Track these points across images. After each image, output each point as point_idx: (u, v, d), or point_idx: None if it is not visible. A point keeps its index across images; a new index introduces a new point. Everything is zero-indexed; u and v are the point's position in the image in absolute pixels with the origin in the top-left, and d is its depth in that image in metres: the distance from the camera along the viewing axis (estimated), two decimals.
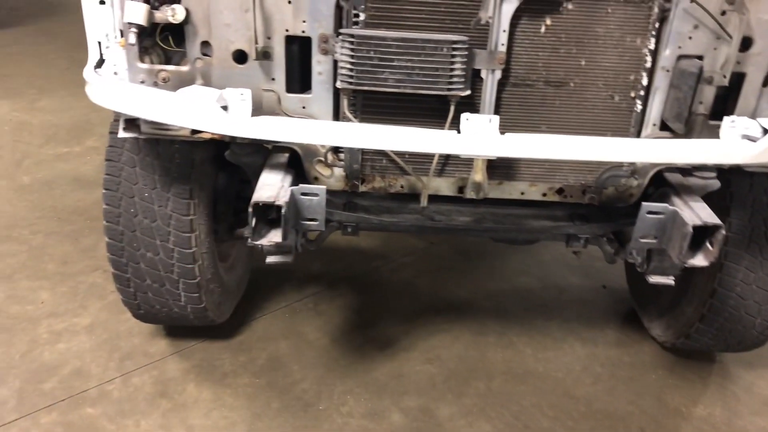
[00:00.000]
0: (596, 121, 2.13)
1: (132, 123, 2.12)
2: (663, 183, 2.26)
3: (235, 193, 2.76)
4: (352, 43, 1.93)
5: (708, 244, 1.99)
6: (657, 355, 3.00)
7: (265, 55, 2.02)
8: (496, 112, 2.07)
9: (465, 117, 1.93)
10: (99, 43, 2.08)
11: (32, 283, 3.19)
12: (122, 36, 2.04)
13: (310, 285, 3.31)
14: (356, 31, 1.94)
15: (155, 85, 2.03)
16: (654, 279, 2.28)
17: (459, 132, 1.93)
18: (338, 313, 3.13)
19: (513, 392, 2.73)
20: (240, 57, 2.03)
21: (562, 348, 3.01)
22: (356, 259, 3.56)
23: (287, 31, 2.00)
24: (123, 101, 1.97)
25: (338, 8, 1.98)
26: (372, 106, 2.09)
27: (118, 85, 1.99)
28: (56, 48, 6.61)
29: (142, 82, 2.03)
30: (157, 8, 1.97)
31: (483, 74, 2.02)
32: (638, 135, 2.15)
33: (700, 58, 2.01)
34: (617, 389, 2.79)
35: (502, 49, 1.99)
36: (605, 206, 2.33)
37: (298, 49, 2.06)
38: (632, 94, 2.09)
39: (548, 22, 2.00)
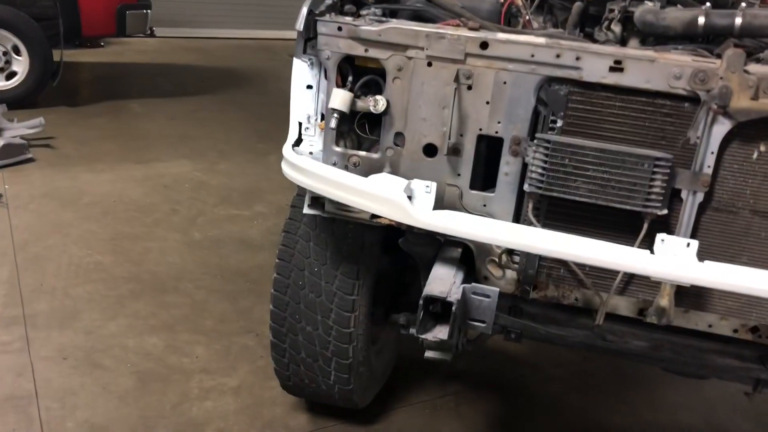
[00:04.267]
0: None
1: (317, 201, 2.20)
2: None
3: (395, 278, 2.76)
4: (547, 148, 1.90)
5: None
6: None
7: (455, 151, 2.04)
8: (693, 236, 1.94)
9: (660, 238, 1.82)
10: (300, 123, 2.19)
11: (191, 337, 3.34)
12: (323, 119, 2.14)
13: (452, 382, 3.21)
14: (553, 137, 1.91)
15: (346, 168, 2.10)
16: None
17: (652, 252, 1.82)
18: (480, 418, 2.99)
19: None
20: (430, 150, 2.06)
21: None
22: (502, 362, 3.42)
23: (480, 130, 2.01)
24: (316, 181, 2.04)
25: (535, 113, 1.98)
26: (556, 212, 2.02)
27: (313, 165, 2.07)
28: (239, 117, 7.16)
29: (334, 164, 2.11)
30: (359, 97, 2.07)
31: (683, 195, 1.91)
32: None
33: None
34: None
35: (708, 171, 1.88)
36: None
37: (486, 148, 2.06)
38: None
39: (762, 148, 1.86)
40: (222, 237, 4.41)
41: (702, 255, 1.85)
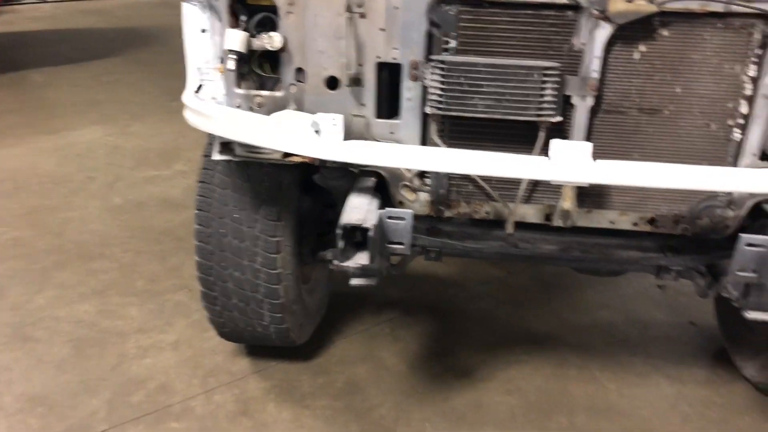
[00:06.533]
0: (691, 149, 2.07)
1: (226, 146, 2.20)
2: (762, 215, 2.16)
3: (318, 216, 2.81)
4: (442, 69, 1.95)
5: None
6: (750, 397, 2.85)
7: (356, 81, 2.07)
8: (587, 139, 2.05)
9: (555, 143, 1.91)
10: (198, 69, 2.17)
11: (122, 299, 3.33)
12: (221, 62, 2.13)
13: (386, 310, 3.32)
14: (447, 57, 1.97)
15: (251, 109, 2.11)
16: (752, 315, 2.17)
17: (548, 158, 1.92)
18: (415, 339, 3.12)
19: (597, 429, 2.64)
20: (332, 83, 2.09)
21: (647, 385, 2.90)
22: (433, 286, 3.55)
23: (378, 57, 2.04)
24: (221, 125, 2.04)
25: (429, 35, 2.02)
26: (460, 131, 2.10)
27: (217, 110, 2.07)
28: (147, 77, 6.95)
29: (239, 107, 2.11)
30: (255, 36, 2.06)
31: (574, 101, 2.00)
32: (735, 165, 2.07)
33: None
34: (708, 431, 2.66)
35: (595, 75, 1.97)
36: (699, 238, 2.25)
37: (388, 75, 2.10)
38: (730, 123, 2.03)
39: (642, 48, 1.97)
40: (143, 199, 4.35)
41: (597, 155, 1.96)
